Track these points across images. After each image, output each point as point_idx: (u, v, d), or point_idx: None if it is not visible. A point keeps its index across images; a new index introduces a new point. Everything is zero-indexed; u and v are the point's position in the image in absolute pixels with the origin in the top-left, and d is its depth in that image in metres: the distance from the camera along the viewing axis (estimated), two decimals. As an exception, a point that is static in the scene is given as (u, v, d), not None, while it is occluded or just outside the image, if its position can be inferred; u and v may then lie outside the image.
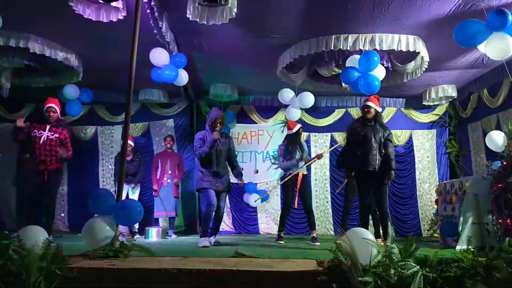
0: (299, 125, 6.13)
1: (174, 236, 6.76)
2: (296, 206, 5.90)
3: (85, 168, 8.07)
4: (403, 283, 2.56)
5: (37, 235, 2.92)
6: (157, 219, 7.04)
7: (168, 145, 7.17)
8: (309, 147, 8.15)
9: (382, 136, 4.89)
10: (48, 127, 5.49)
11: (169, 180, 6.89)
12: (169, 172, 6.94)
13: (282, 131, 7.88)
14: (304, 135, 8.12)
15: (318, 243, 5.44)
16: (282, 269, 2.87)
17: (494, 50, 4.16)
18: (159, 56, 5.43)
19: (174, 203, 6.91)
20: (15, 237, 2.85)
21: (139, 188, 7.00)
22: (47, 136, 5.42)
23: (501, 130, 5.40)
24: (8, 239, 2.85)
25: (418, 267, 2.63)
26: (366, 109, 5.00)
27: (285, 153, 5.95)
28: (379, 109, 5.13)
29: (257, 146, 8.28)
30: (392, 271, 2.60)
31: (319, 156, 6.07)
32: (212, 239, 5.26)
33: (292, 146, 5.94)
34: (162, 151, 7.28)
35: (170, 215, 6.99)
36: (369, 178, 4.87)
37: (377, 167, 4.81)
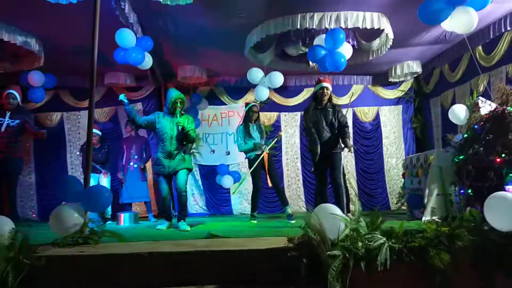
0: (250, 104, 6.12)
1: (154, 220, 6.69)
2: (270, 185, 5.94)
3: (52, 156, 7.86)
4: (370, 255, 2.65)
5: (2, 225, 2.85)
6: (130, 204, 6.95)
7: (128, 130, 7.06)
8: (279, 126, 8.21)
9: (334, 118, 5.13)
10: (8, 114, 5.32)
11: (135, 165, 6.79)
12: (135, 157, 6.83)
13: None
14: (270, 116, 8.19)
15: (293, 221, 5.47)
16: (253, 247, 2.91)
17: (458, 24, 4.25)
18: (125, 37, 5.29)
19: (143, 188, 6.83)
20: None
21: (109, 175, 6.89)
22: (8, 123, 5.26)
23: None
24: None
25: (384, 239, 2.73)
26: (324, 91, 5.18)
27: (243, 135, 5.97)
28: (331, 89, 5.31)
29: (228, 128, 8.27)
30: (360, 244, 2.69)
31: (277, 137, 6.25)
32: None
33: (247, 126, 5.98)
34: (127, 137, 7.16)
35: (143, 200, 6.93)
36: (327, 159, 5.11)
37: (332, 149, 5.08)
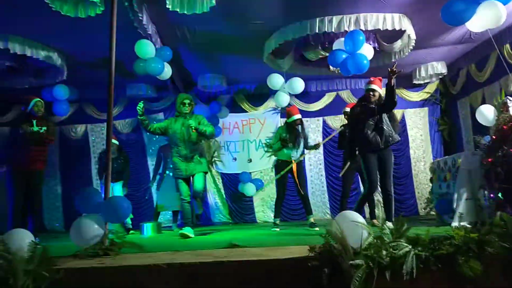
0: (296, 116, 5.88)
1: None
2: (302, 193, 5.79)
3: (78, 168, 8.00)
4: (395, 264, 2.52)
5: (22, 238, 2.85)
6: (158, 213, 6.95)
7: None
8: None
9: (378, 113, 4.87)
10: (35, 122, 5.40)
11: (171, 174, 6.80)
12: (171, 166, 6.85)
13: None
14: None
15: (317, 228, 5.36)
16: (273, 257, 2.83)
17: (485, 20, 4.11)
18: (144, 48, 5.34)
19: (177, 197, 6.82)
20: (-1, 241, 2.79)
21: (125, 187, 6.86)
22: (36, 131, 5.35)
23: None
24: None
25: (410, 246, 2.59)
26: (371, 93, 4.90)
27: (281, 139, 5.80)
28: (382, 92, 4.99)
29: (249, 135, 8.23)
30: (384, 252, 2.57)
31: (316, 147, 6.06)
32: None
33: (290, 137, 5.80)
34: (164, 145, 7.13)
35: (176, 209, 6.94)
36: (374, 157, 4.85)
37: (381, 145, 4.78)
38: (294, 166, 5.74)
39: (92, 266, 2.82)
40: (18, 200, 5.31)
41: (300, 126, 5.93)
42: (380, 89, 4.97)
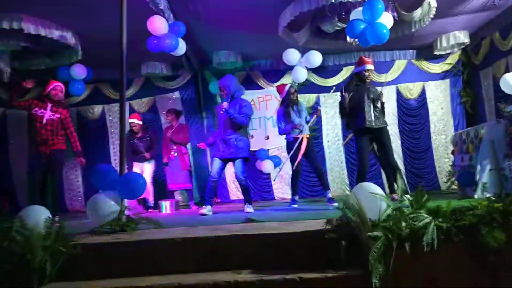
0: (287, 85, 5.97)
1: (195, 207, 6.73)
2: (294, 168, 5.77)
3: (96, 148, 8.06)
4: (415, 235, 2.46)
5: (39, 215, 2.87)
6: (172, 192, 7.01)
7: (168, 119, 7.11)
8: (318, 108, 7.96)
9: (375, 95, 5.13)
10: (49, 106, 5.42)
11: (175, 154, 6.83)
12: (175, 147, 6.87)
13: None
14: (309, 97, 7.94)
15: (336, 204, 5.29)
16: (289, 230, 2.79)
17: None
18: (157, 24, 5.25)
19: (185, 176, 6.86)
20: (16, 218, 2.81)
21: (153, 163, 6.95)
22: (50, 115, 5.37)
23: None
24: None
25: (430, 218, 2.52)
26: (368, 73, 5.19)
27: (284, 117, 5.80)
28: None
29: (266, 112, 8.13)
30: (403, 224, 2.50)
31: (316, 113, 6.03)
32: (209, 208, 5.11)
33: (286, 109, 5.81)
34: (168, 126, 7.19)
35: (185, 188, 6.96)
36: (368, 135, 5.10)
37: (373, 124, 5.03)
38: (304, 141, 5.66)
39: (108, 242, 2.83)
40: (36, 181, 5.36)
41: (296, 96, 5.89)
42: (372, 67, 5.27)
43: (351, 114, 5.23)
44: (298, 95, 6.08)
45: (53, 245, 2.68)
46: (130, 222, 3.36)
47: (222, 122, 5.32)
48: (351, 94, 5.16)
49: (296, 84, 7.13)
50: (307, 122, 5.88)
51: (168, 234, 2.98)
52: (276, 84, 8.00)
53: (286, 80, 7.95)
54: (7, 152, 7.84)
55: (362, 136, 5.13)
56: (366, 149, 5.15)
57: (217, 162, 5.25)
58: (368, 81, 5.21)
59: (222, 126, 5.30)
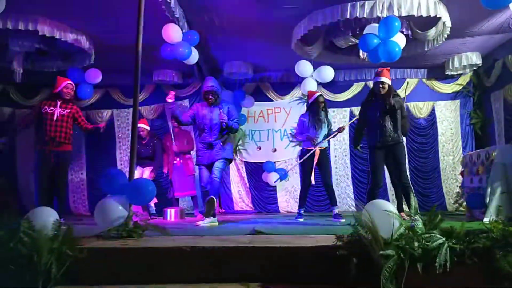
0: (317, 93, 5.78)
1: (200, 216, 6.62)
2: (313, 182, 5.70)
3: (103, 152, 8.08)
4: (428, 256, 2.41)
5: (47, 216, 2.84)
6: (177, 200, 6.96)
7: (174, 125, 7.04)
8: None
9: (391, 107, 4.84)
10: (59, 103, 5.43)
11: (181, 160, 6.80)
12: (178, 158, 6.85)
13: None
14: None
15: (343, 220, 5.20)
16: (299, 244, 2.75)
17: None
18: (172, 32, 5.28)
19: (190, 182, 6.82)
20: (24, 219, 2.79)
21: (154, 171, 6.86)
22: (59, 112, 5.38)
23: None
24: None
25: (443, 239, 2.48)
26: (380, 86, 4.91)
27: (307, 126, 5.65)
28: (390, 82, 5.00)
29: (274, 124, 8.13)
30: (416, 243, 2.45)
31: (340, 130, 5.73)
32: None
33: (312, 117, 5.65)
34: (169, 133, 7.12)
35: (190, 195, 6.92)
36: (383, 152, 4.94)
37: (390, 140, 4.86)
38: (317, 152, 5.60)
39: (115, 247, 2.80)
40: (43, 181, 5.36)
41: (322, 105, 5.70)
42: (389, 80, 4.96)
43: (366, 130, 5.14)
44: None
45: (60, 248, 2.64)
46: (137, 228, 3.32)
47: (207, 126, 5.14)
48: (364, 109, 5.09)
49: (305, 98, 7.10)
50: (328, 135, 5.71)
51: (176, 242, 2.94)
52: (286, 96, 8.04)
53: (296, 93, 7.98)
54: (14, 151, 7.86)
55: (376, 151, 4.97)
56: (381, 165, 5.00)
57: (204, 171, 5.18)
58: (382, 93, 4.90)
59: (208, 130, 5.14)
